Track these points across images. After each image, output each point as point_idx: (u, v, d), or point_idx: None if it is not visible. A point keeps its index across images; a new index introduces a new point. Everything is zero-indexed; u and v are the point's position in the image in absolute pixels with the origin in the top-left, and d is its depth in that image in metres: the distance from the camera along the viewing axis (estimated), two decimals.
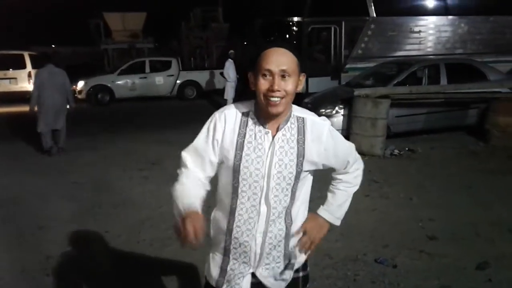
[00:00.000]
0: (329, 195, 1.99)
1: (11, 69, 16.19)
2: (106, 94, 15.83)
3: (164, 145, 8.50)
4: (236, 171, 1.71)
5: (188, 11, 25.98)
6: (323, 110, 8.55)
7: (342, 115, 8.32)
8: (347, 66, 11.41)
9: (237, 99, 12.79)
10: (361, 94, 7.83)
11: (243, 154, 1.69)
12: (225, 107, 1.79)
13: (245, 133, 1.70)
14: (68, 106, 8.14)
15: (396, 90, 8.16)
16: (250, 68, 1.69)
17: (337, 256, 3.99)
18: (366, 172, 6.26)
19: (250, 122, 1.72)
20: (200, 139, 1.76)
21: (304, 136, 1.73)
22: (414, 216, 4.92)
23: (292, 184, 1.74)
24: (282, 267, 1.84)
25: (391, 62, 10.27)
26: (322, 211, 1.96)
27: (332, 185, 2.00)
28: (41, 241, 4.42)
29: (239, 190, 1.73)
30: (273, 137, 1.70)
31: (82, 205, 5.46)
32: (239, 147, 1.69)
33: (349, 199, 1.99)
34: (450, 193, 5.69)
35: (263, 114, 1.69)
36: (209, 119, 1.76)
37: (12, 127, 10.45)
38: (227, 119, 1.72)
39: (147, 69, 16.37)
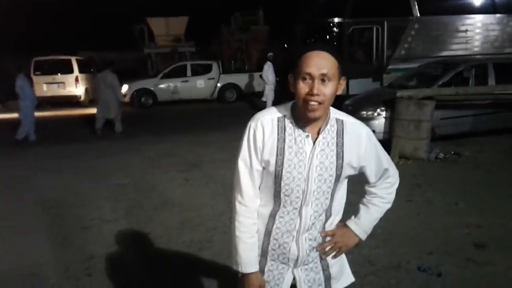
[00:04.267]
0: (362, 208, 1.94)
1: (59, 74, 16.82)
2: (149, 98, 16.19)
3: (205, 147, 8.59)
4: (278, 176, 1.69)
5: (229, 14, 26.21)
6: (365, 113, 8.38)
7: (384, 117, 8.12)
8: (390, 67, 11.14)
9: (276, 102, 12.76)
10: (404, 95, 7.61)
11: (285, 159, 1.67)
12: (258, 114, 1.75)
13: (285, 138, 1.68)
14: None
15: (441, 91, 7.88)
16: (291, 70, 1.66)
17: (379, 263, 3.88)
18: (409, 176, 6.12)
19: (288, 126, 1.69)
20: (245, 153, 1.73)
21: (343, 139, 1.72)
22: (460, 223, 4.72)
23: (332, 187, 1.74)
24: (319, 267, 1.85)
25: (435, 62, 9.94)
26: (352, 223, 1.93)
27: (366, 198, 1.96)
28: (85, 241, 4.53)
29: (282, 195, 1.72)
30: (314, 140, 1.69)
31: (124, 206, 5.57)
32: (280, 152, 1.67)
33: (381, 216, 1.96)
34: (499, 198, 5.44)
35: (302, 118, 1.67)
36: (246, 131, 1.73)
37: (59, 130, 10.83)
38: (265, 126, 1.69)
39: (189, 73, 16.63)
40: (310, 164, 1.68)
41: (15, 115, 10.60)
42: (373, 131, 6.95)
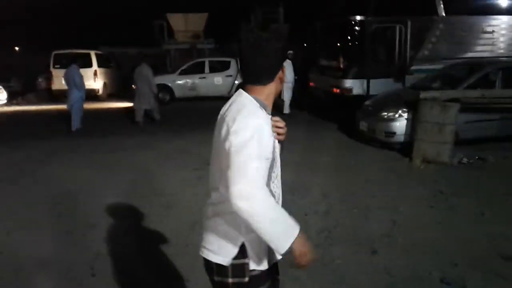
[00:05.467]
0: None
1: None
2: (166, 94, 16.07)
3: None
4: (274, 159, 1.85)
5: (249, 12, 26.03)
6: (385, 113, 8.11)
7: (406, 119, 7.83)
8: (413, 67, 10.75)
9: (293, 100, 12.51)
10: (427, 97, 7.31)
11: (275, 144, 1.86)
12: (248, 113, 1.76)
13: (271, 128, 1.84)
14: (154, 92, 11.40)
15: (466, 93, 7.57)
16: (281, 65, 1.88)
17: (399, 274, 3.64)
18: (431, 181, 5.83)
19: (267, 116, 1.84)
20: (255, 151, 1.69)
21: None
22: (486, 233, 4.45)
23: None
24: None
25: (460, 64, 9.59)
26: None
27: None
28: (90, 239, 4.38)
29: (274, 175, 1.90)
30: None
31: (134, 204, 5.41)
32: (273, 139, 1.84)
33: None
34: None
35: (271, 102, 1.89)
36: (252, 130, 1.69)
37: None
38: (267, 121, 1.80)
39: (207, 69, 16.47)
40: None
41: (32, 107, 10.62)
42: (394, 133, 6.65)
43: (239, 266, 1.83)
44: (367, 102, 9.08)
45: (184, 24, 22.25)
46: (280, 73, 1.85)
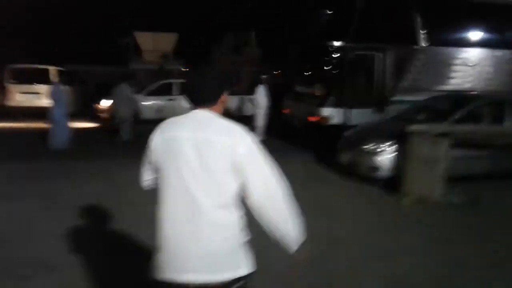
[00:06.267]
0: None
1: (35, 84, 15.71)
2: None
3: None
4: None
5: (220, 34, 25.56)
6: (367, 146, 7.49)
7: (391, 153, 7.22)
8: (393, 98, 10.30)
9: (268, 127, 11.79)
10: (417, 130, 6.73)
11: None
12: (242, 128, 1.99)
13: None
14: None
15: (457, 128, 7.03)
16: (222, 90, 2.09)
17: None
18: (425, 226, 5.05)
19: None
20: None
21: None
22: None
23: None
24: None
25: (445, 96, 9.17)
26: None
27: None
28: None
29: None
30: None
31: (81, 248, 4.48)
32: None
33: None
34: None
35: None
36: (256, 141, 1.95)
37: (27, 144, 9.65)
38: None
39: (175, 91, 15.67)
40: None
41: None
42: (378, 168, 5.77)
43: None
44: (347, 133, 8.46)
45: (152, 44, 21.51)
46: (222, 97, 2.05)
